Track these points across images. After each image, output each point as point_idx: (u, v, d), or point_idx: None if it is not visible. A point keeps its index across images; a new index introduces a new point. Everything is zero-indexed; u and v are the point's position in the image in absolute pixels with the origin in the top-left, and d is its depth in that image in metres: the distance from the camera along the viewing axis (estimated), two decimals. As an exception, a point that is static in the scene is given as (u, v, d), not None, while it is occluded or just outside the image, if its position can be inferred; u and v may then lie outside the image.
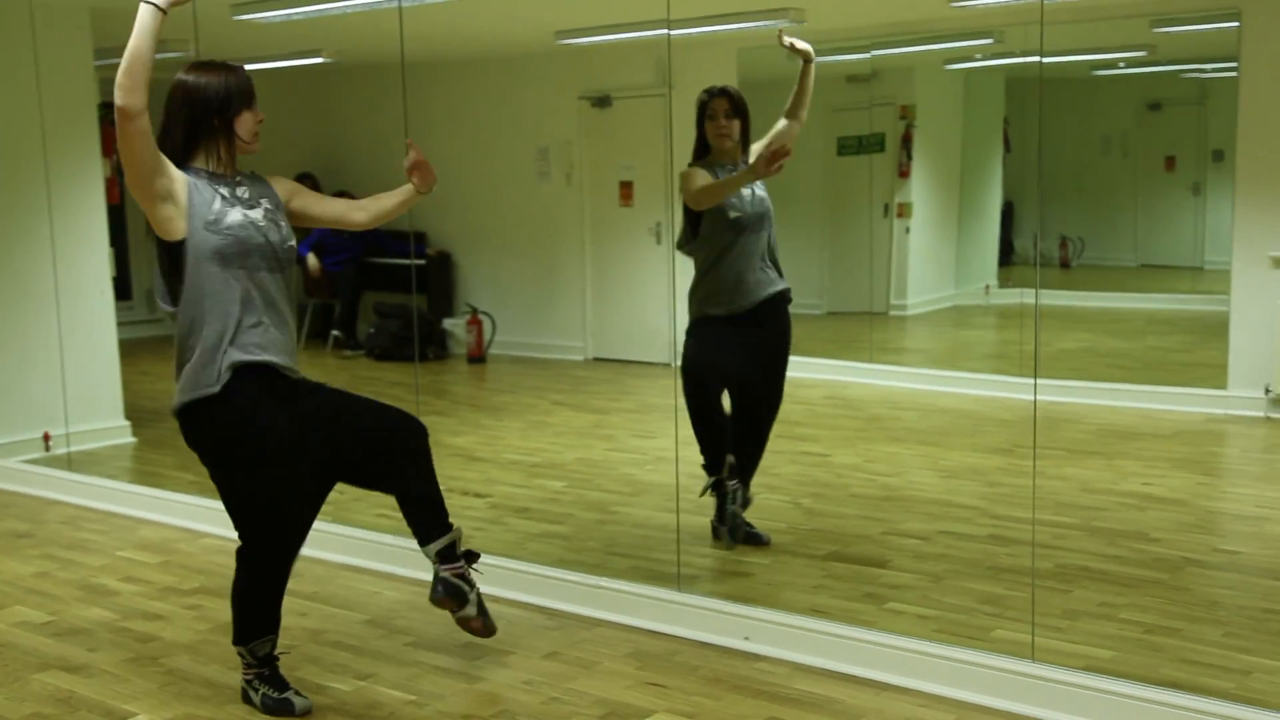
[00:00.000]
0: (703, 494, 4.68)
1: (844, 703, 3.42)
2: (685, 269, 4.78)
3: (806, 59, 4.60)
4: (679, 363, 4.66)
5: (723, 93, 4.53)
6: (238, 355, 3.24)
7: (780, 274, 4.64)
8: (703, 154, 4.59)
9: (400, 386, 8.58)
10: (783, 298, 4.64)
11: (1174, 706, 3.16)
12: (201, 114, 3.26)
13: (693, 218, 4.55)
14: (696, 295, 4.63)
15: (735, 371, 4.58)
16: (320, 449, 3.41)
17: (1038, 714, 3.29)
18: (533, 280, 9.94)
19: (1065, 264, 9.02)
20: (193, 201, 3.21)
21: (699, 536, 4.74)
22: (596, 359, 9.51)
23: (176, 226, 3.21)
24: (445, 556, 3.64)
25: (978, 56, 9.00)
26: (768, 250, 4.60)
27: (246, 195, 3.33)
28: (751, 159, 4.54)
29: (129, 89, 3.03)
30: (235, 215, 3.26)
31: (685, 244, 4.64)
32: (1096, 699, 3.24)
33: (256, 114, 3.36)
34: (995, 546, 4.63)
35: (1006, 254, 9.39)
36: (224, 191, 3.28)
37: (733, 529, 4.62)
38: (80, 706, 3.52)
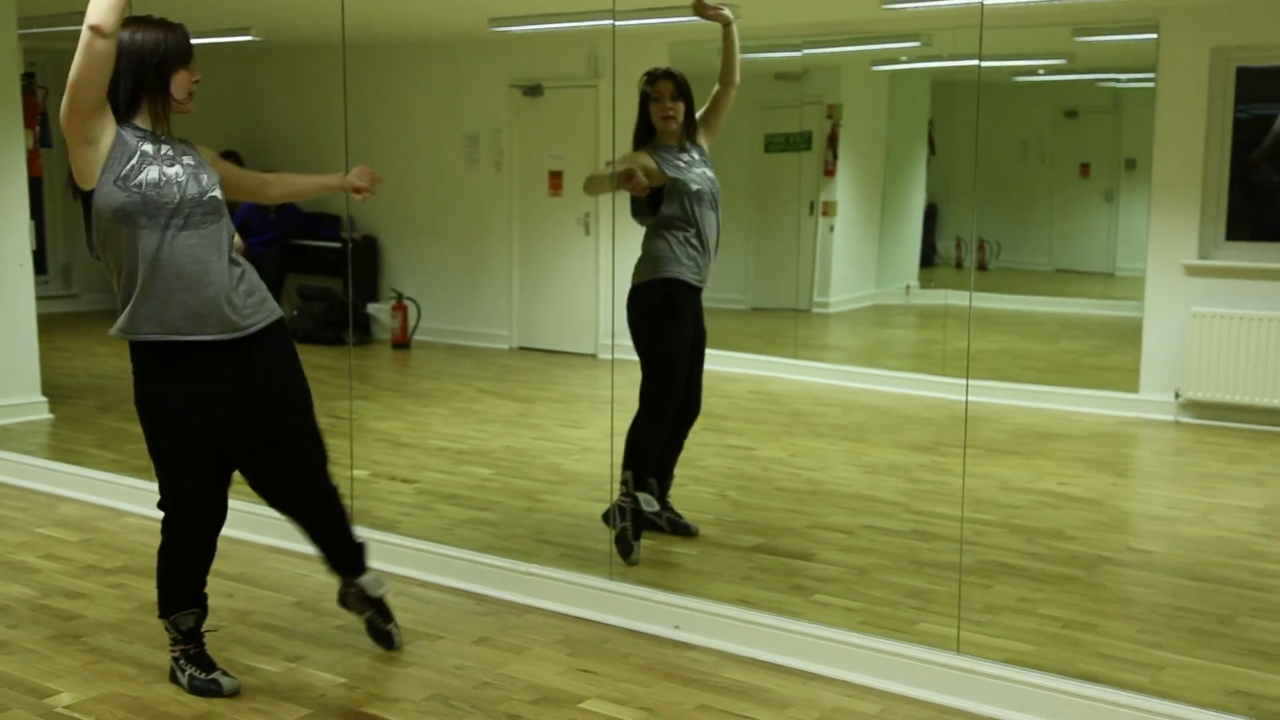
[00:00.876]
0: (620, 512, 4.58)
1: (772, 691, 3.48)
2: (617, 260, 4.79)
3: (725, 23, 4.59)
4: (620, 355, 4.66)
5: (667, 74, 4.55)
6: (134, 329, 3.25)
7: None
8: (645, 138, 4.61)
9: (323, 369, 8.49)
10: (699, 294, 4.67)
11: (1092, 699, 3.26)
12: (137, 69, 3.22)
13: (653, 192, 4.51)
14: (654, 258, 4.51)
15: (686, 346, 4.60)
16: (221, 433, 3.39)
17: (962, 705, 3.38)
18: (459, 267, 9.90)
19: (982, 266, 9.20)
20: (112, 154, 3.17)
21: (628, 526, 4.77)
22: (522, 348, 9.51)
23: (91, 174, 3.17)
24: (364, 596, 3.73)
25: (904, 59, 9.14)
26: (716, 233, 4.63)
27: (169, 153, 3.28)
28: (702, 140, 4.59)
29: (107, 6, 2.99)
30: (151, 173, 3.20)
31: (644, 212, 4.60)
32: (1018, 691, 3.34)
33: (193, 73, 3.32)
34: (918, 542, 4.73)
35: (928, 255, 9.56)
36: (147, 148, 3.23)
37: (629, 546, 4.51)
38: (2, 684, 3.46)
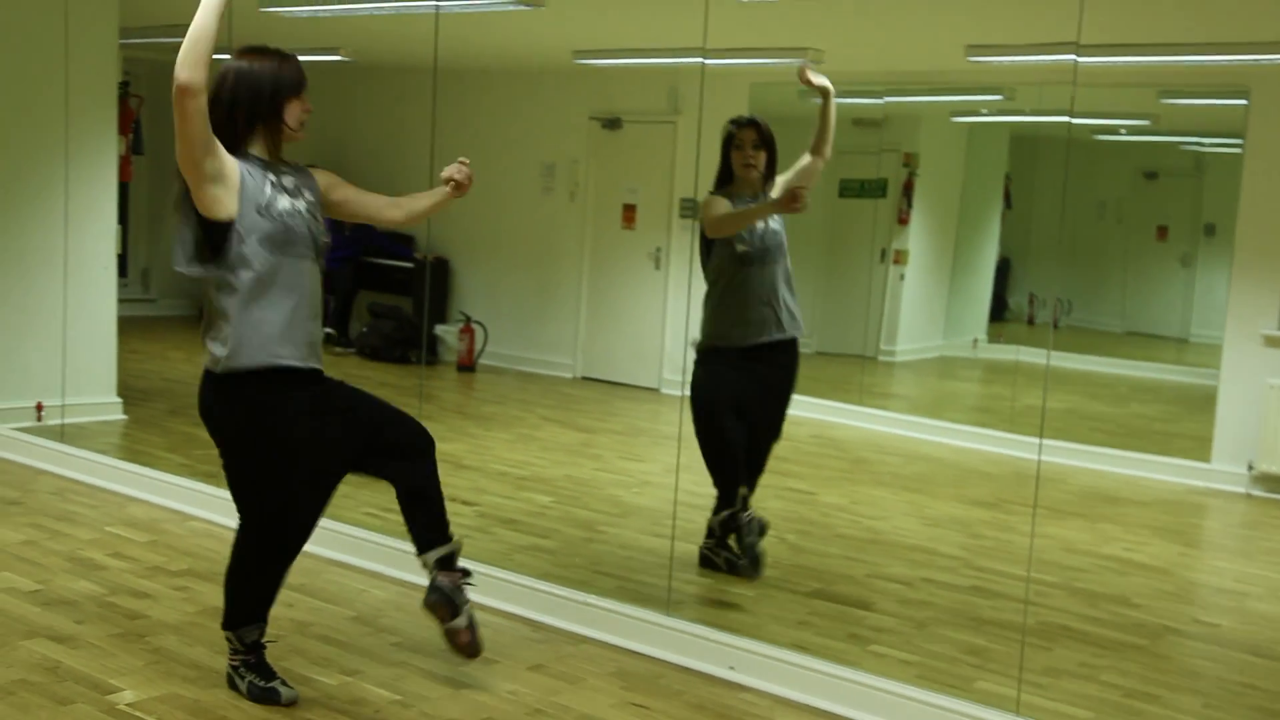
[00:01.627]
0: (715, 522, 4.69)
1: (827, 739, 3.46)
2: (681, 293, 4.83)
3: (825, 94, 4.63)
4: (686, 390, 4.68)
5: (751, 123, 4.59)
6: (280, 355, 3.27)
7: (792, 311, 4.66)
8: (725, 182, 4.64)
9: (387, 388, 8.58)
10: (790, 345, 4.67)
11: (1152, 769, 3.21)
12: (252, 100, 3.29)
13: (706, 244, 4.61)
14: (706, 326, 4.67)
15: (739, 404, 4.61)
16: (336, 438, 3.43)
17: (1018, 766, 3.34)
18: (528, 294, 9.97)
19: (1054, 324, 9.12)
20: (245, 185, 3.24)
21: (687, 563, 4.77)
22: (585, 378, 9.55)
23: (224, 206, 3.22)
24: (444, 564, 3.65)
25: (984, 111, 9.12)
26: (779, 285, 4.63)
27: (292, 185, 3.36)
28: (775, 193, 4.60)
29: (192, 64, 3.04)
30: (284, 202, 3.30)
31: (703, 265, 4.68)
32: (1077, 756, 3.29)
33: (304, 103, 3.39)
34: (978, 599, 4.68)
35: (998, 309, 9.49)
36: (272, 178, 3.32)
37: (754, 560, 4.47)
38: (67, 677, 3.52)
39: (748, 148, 4.56)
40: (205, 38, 3.07)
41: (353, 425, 3.47)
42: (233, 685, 3.53)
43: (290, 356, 3.30)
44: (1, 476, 5.71)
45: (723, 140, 4.65)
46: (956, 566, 5.08)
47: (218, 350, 3.28)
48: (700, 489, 4.82)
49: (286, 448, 3.35)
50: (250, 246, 3.24)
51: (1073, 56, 3.99)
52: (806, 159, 4.72)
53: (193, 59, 3.05)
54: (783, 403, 4.74)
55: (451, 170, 3.70)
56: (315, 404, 3.38)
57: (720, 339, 4.61)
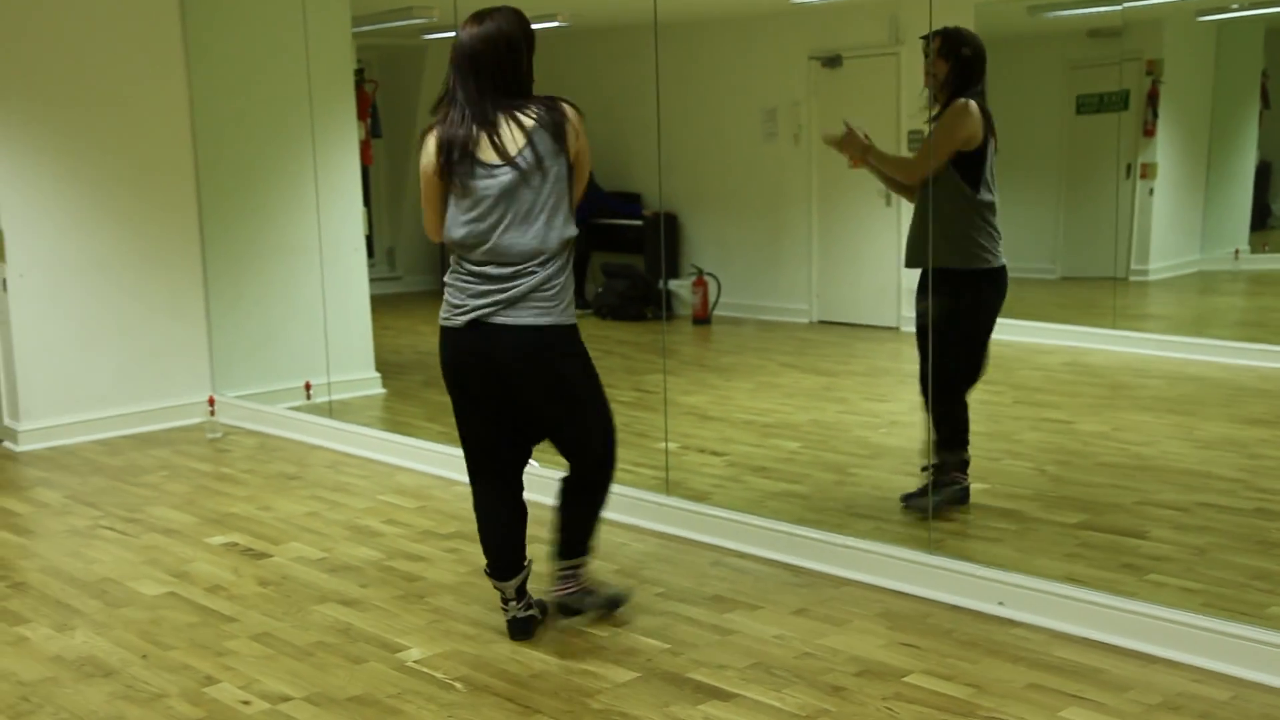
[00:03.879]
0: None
1: (1109, 673, 3.34)
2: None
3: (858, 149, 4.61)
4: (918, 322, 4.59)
5: (930, 36, 4.44)
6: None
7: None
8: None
9: (629, 345, 8.73)
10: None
11: None
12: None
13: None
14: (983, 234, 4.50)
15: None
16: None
17: (1323, 694, 3.15)
18: (758, 242, 9.92)
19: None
20: None
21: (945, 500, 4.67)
22: (821, 321, 9.45)
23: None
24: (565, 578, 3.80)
25: (1234, 6, 8.52)
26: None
27: None
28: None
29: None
30: None
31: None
32: (1390, 682, 3.08)
33: None
34: (1264, 521, 4.42)
35: (1261, 217, 8.89)
36: None
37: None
38: (359, 638, 3.73)
39: (929, 59, 4.43)
40: None
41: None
42: (567, 610, 3.77)
43: None
44: (281, 453, 6.09)
45: None
46: (1236, 489, 4.81)
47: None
48: (953, 424, 4.71)
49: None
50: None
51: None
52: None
53: None
54: None
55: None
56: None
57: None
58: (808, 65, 9.49)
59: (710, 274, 9.74)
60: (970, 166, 4.36)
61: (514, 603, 3.69)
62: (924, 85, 4.53)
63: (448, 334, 3.51)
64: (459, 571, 4.30)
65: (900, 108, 9.02)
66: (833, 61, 9.39)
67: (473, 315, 3.44)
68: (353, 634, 3.76)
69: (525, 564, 3.71)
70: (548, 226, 3.45)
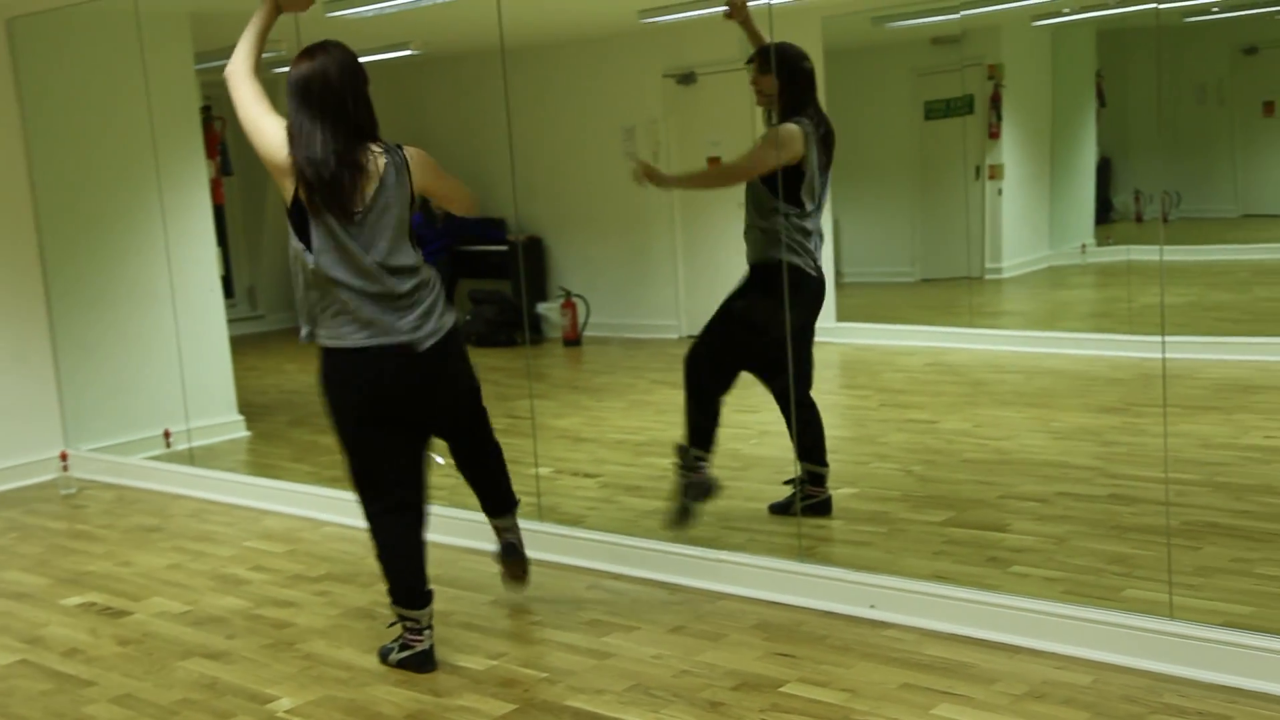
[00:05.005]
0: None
1: (978, 667, 3.41)
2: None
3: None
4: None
5: (756, 54, 4.56)
6: None
7: None
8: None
9: (499, 371, 8.66)
10: None
11: (1321, 660, 3.10)
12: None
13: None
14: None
15: None
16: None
17: (1179, 672, 3.25)
18: (624, 261, 9.96)
19: (1163, 217, 8.83)
20: None
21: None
22: (691, 336, 9.49)
23: None
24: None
25: (1066, 11, 8.83)
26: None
27: None
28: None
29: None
30: None
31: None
32: (1240, 655, 3.19)
33: None
34: (1118, 506, 4.57)
35: (1104, 211, 9.22)
36: None
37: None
38: (226, 691, 3.62)
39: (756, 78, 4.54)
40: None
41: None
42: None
43: None
44: (140, 505, 5.90)
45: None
46: (1091, 477, 4.96)
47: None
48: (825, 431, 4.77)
49: None
50: None
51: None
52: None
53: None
54: None
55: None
56: None
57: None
58: (662, 83, 9.57)
59: (578, 295, 9.74)
60: (788, 181, 4.44)
61: (428, 631, 3.67)
62: (756, 103, 4.60)
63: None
64: (330, 615, 4.21)
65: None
66: (687, 78, 9.48)
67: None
68: (219, 688, 3.65)
69: (431, 590, 3.70)
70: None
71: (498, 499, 4.03)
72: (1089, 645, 3.41)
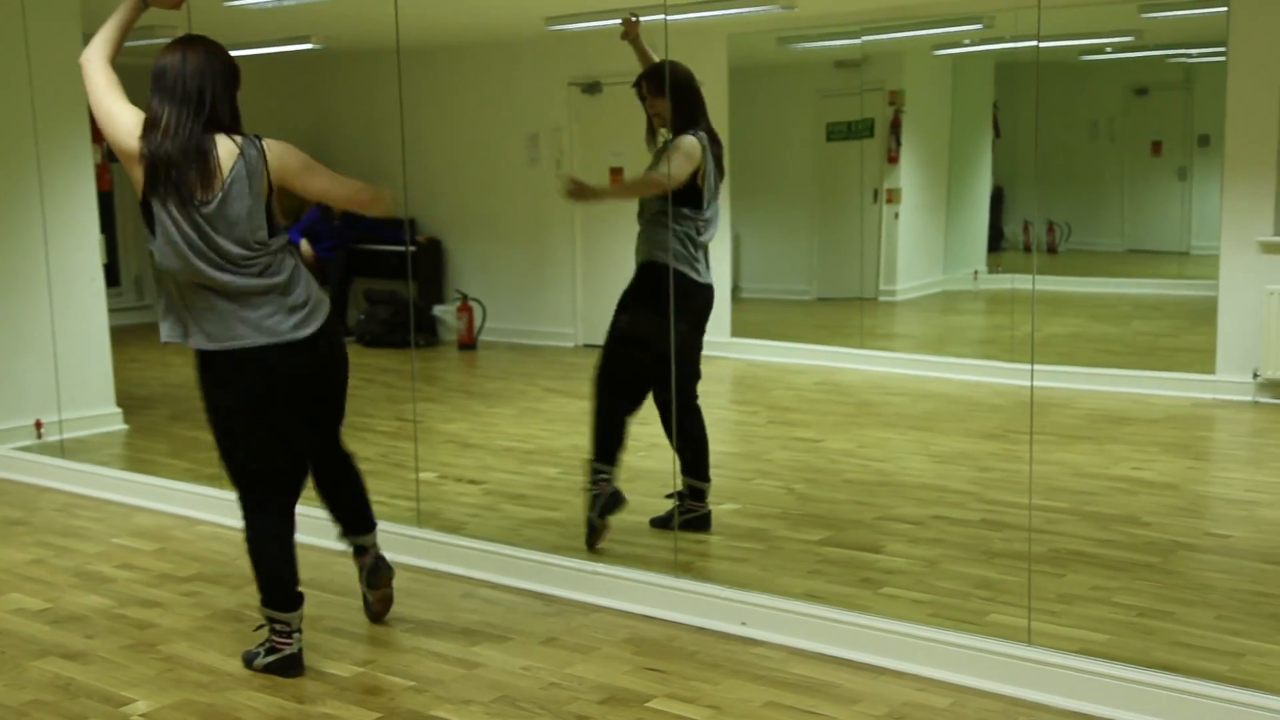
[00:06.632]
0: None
1: (842, 686, 3.45)
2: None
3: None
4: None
5: (643, 76, 4.60)
6: None
7: None
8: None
9: (390, 373, 8.58)
10: None
11: (1169, 689, 3.19)
12: None
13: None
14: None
15: None
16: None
17: (1034, 697, 3.32)
18: (523, 267, 9.93)
19: (1052, 249, 9.07)
20: None
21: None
22: (587, 345, 9.51)
23: None
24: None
25: (966, 42, 9.02)
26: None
27: None
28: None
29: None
30: None
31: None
32: (1092, 682, 3.27)
33: None
34: (989, 531, 4.66)
35: (996, 239, 9.43)
36: None
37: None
38: (80, 694, 3.53)
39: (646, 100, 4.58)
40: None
41: None
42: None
43: None
44: (5, 497, 5.72)
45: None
46: (966, 501, 5.06)
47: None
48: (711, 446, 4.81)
49: None
50: None
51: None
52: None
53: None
54: None
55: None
56: None
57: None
58: (568, 91, 9.57)
59: (475, 299, 9.69)
60: (683, 191, 4.49)
61: (298, 634, 3.62)
62: (648, 126, 4.63)
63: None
64: (196, 616, 4.12)
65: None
66: (592, 88, 9.50)
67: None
68: (74, 689, 3.55)
69: (302, 593, 3.66)
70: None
71: (360, 514, 3.94)
72: (950, 668, 3.48)
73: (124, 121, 3.38)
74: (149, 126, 3.36)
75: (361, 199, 3.64)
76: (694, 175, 4.47)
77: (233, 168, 3.40)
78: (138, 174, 3.38)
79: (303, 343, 3.50)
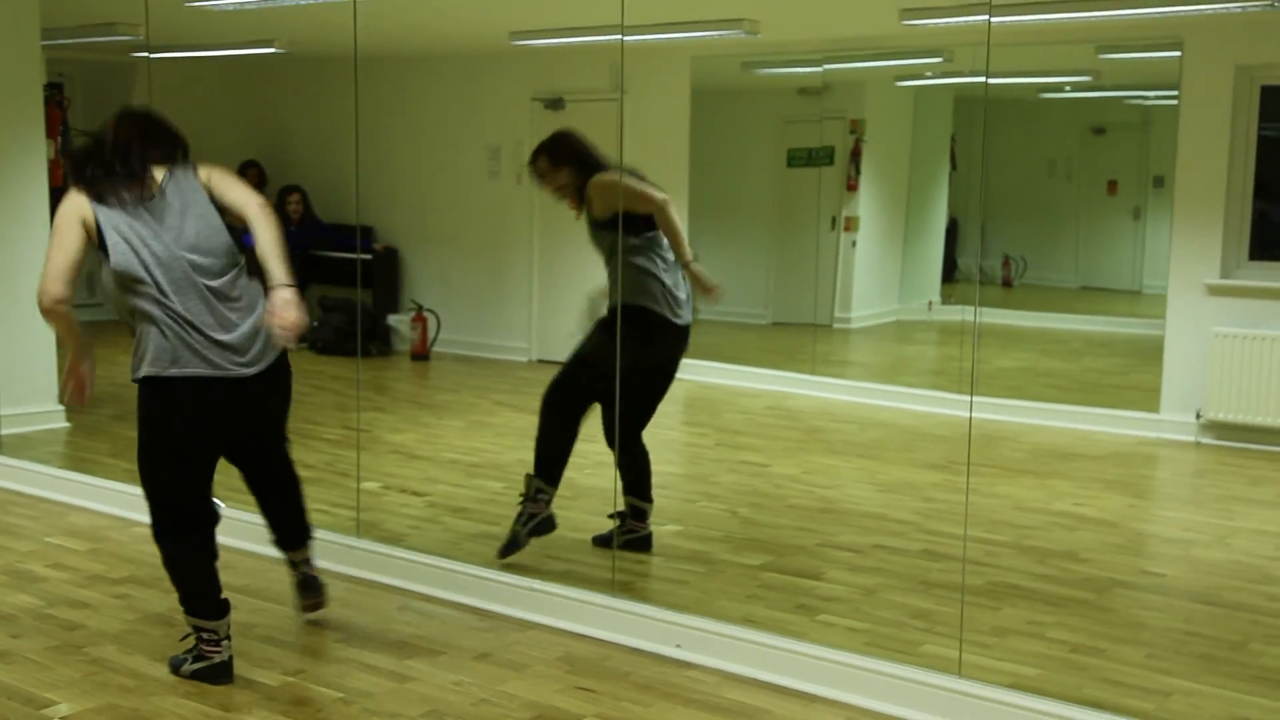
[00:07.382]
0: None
1: (772, 713, 3.44)
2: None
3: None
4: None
5: (536, 154, 4.67)
6: None
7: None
8: None
9: (341, 380, 8.51)
10: None
11: (1095, 725, 3.21)
12: None
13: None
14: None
15: None
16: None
17: (962, 729, 3.33)
18: (480, 279, 9.90)
19: (1007, 283, 9.14)
20: None
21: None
22: (540, 360, 9.49)
23: None
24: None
25: (927, 74, 9.10)
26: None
27: None
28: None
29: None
30: None
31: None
32: (1020, 716, 3.29)
33: None
34: (928, 562, 4.68)
35: (950, 271, 9.50)
36: None
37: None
38: (1, 694, 3.47)
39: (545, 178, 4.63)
40: None
41: None
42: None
43: None
44: (-60, 492, 5.64)
45: None
46: (907, 531, 5.08)
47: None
48: (654, 465, 4.80)
49: None
50: None
51: (988, 17, 3.97)
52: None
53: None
54: None
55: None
56: None
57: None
58: (531, 106, 9.57)
59: (430, 310, 9.65)
60: (649, 226, 4.53)
61: (226, 641, 3.60)
62: (568, 205, 4.66)
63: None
64: (126, 619, 4.06)
65: (621, 153, 9.20)
66: (555, 104, 9.50)
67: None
68: (-6, 690, 3.50)
69: (228, 599, 3.65)
70: None
71: (295, 528, 3.95)
72: (882, 698, 3.48)
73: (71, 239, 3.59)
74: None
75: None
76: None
77: (163, 178, 3.55)
78: (85, 229, 3.55)
79: (255, 377, 3.60)
